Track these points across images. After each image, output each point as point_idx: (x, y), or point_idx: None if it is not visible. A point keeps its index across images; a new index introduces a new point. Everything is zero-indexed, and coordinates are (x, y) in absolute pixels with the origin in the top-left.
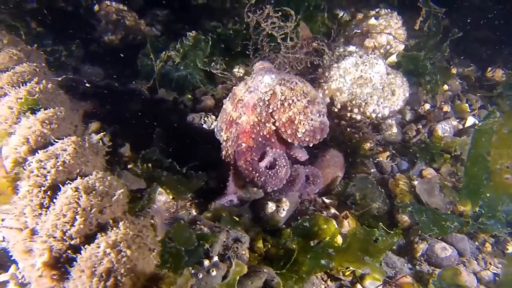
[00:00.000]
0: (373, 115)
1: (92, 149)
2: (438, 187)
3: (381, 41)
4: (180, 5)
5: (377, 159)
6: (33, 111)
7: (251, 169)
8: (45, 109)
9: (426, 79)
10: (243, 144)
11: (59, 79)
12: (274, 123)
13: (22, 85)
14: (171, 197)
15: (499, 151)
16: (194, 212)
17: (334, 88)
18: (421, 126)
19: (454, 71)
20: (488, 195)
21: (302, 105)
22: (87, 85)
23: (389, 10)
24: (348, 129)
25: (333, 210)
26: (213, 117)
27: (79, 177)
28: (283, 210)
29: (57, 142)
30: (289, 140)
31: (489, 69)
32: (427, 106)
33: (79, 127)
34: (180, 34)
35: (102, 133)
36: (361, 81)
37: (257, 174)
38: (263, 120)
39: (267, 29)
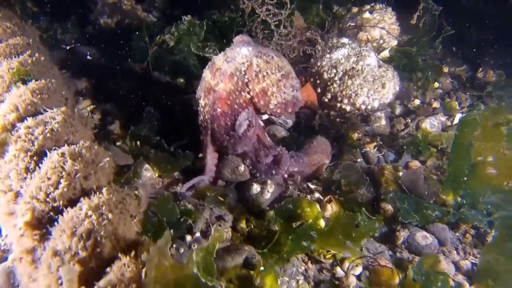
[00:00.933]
0: (363, 107)
1: (81, 121)
2: (423, 177)
3: (375, 34)
4: None
5: (364, 149)
6: (24, 82)
7: (222, 132)
8: (36, 81)
9: (418, 75)
10: (219, 109)
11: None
12: (249, 93)
13: (15, 57)
14: (157, 174)
15: (483, 143)
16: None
17: (325, 78)
18: (409, 120)
19: (446, 70)
20: (469, 185)
21: (276, 78)
22: (89, 57)
23: (383, 5)
24: (338, 119)
25: (317, 194)
26: None
27: (66, 145)
28: (268, 192)
29: (47, 111)
30: (262, 111)
31: (480, 69)
32: (417, 102)
33: (69, 100)
34: (176, 20)
35: (92, 106)
36: (352, 72)
37: (228, 137)
38: (239, 89)
39: (262, 15)
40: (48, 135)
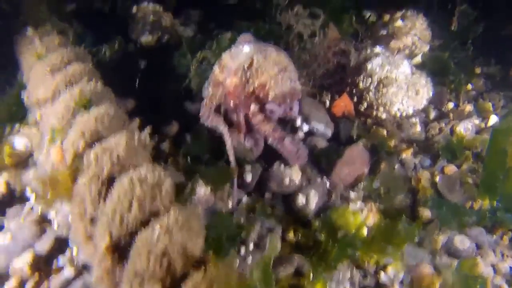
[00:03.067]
0: (398, 114)
1: (140, 144)
2: (459, 182)
3: (407, 42)
4: (212, 4)
5: (401, 156)
6: (87, 109)
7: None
8: (97, 107)
9: (450, 78)
10: (231, 103)
11: None
12: (251, 86)
13: (75, 85)
14: (209, 189)
15: None
16: (230, 203)
17: (361, 88)
18: (444, 125)
19: (478, 70)
20: (505, 190)
21: (273, 73)
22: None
23: (414, 11)
24: (374, 127)
25: (359, 204)
26: None
27: (131, 169)
28: (313, 202)
29: (110, 137)
30: (264, 101)
31: None
32: (451, 105)
33: (126, 123)
34: (213, 33)
35: (148, 129)
36: (387, 81)
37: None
38: (243, 82)
39: (297, 28)
40: (115, 161)
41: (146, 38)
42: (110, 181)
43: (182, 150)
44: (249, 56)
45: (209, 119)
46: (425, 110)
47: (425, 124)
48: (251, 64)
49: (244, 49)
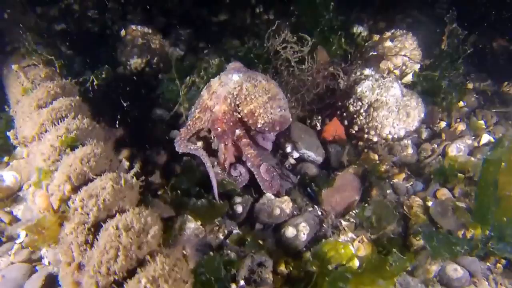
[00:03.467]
0: (390, 136)
1: (127, 185)
2: (451, 209)
3: (397, 62)
4: (202, 22)
5: (393, 181)
6: (72, 148)
7: (223, 157)
8: (82, 145)
9: (441, 97)
10: (219, 129)
11: None
12: (239, 113)
13: (61, 121)
14: (199, 223)
15: (509, 179)
16: (221, 236)
17: (351, 111)
18: (436, 146)
19: (470, 86)
20: (496, 219)
21: (262, 100)
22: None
23: (403, 31)
24: (365, 150)
25: (350, 234)
26: None
27: (118, 214)
28: (303, 234)
29: (95, 178)
30: (252, 128)
31: (506, 83)
32: (443, 124)
33: (114, 161)
34: (203, 52)
35: (135, 168)
36: (377, 104)
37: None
38: (232, 110)
39: (284, 54)
40: (101, 206)
41: (135, 61)
42: (96, 227)
43: (171, 183)
44: (238, 83)
45: (182, 145)
46: (417, 131)
47: (417, 145)
48: (240, 92)
49: (234, 77)
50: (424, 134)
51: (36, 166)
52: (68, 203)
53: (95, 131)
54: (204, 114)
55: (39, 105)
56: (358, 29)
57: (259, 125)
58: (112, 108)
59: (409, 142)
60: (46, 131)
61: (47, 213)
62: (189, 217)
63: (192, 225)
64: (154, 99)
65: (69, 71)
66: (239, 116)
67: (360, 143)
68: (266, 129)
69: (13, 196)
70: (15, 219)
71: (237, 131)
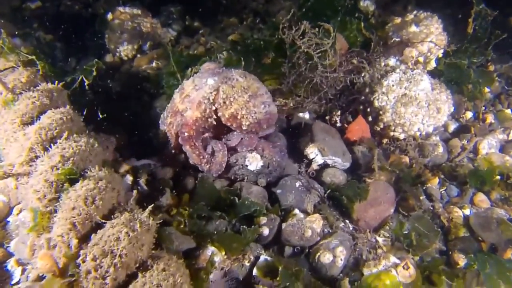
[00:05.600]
0: (418, 133)
1: (143, 228)
2: (495, 222)
3: (422, 49)
4: None
5: (426, 186)
6: (72, 181)
7: (197, 152)
8: (82, 176)
9: (469, 87)
10: (186, 133)
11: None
12: (220, 117)
13: (52, 143)
14: (223, 253)
15: None
16: (247, 263)
17: (377, 106)
18: (466, 141)
19: (491, 67)
20: None
21: (243, 100)
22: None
23: (428, 13)
24: (392, 150)
25: (392, 259)
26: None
27: (140, 274)
28: (341, 260)
29: (104, 222)
30: (238, 131)
31: None
32: (469, 115)
33: (121, 193)
34: (198, 32)
35: (149, 208)
36: (406, 100)
37: (201, 156)
38: (206, 116)
39: (303, 47)
40: (118, 265)
41: (125, 48)
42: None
43: (190, 212)
44: (214, 88)
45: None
46: (444, 125)
47: (445, 141)
48: (216, 96)
49: (208, 81)
50: (451, 127)
51: (30, 206)
52: (77, 262)
53: (94, 151)
54: (174, 119)
55: (24, 121)
56: (364, 3)
57: (244, 127)
58: (105, 108)
59: (438, 139)
60: (36, 157)
61: (53, 277)
62: (213, 248)
63: (217, 259)
64: (152, 96)
65: (52, 61)
66: (215, 122)
67: (384, 140)
68: (253, 129)
69: (1, 223)
70: (7, 254)
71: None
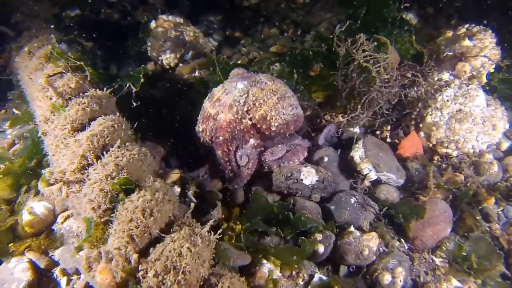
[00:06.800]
0: (471, 151)
1: (204, 244)
2: None
3: (476, 64)
4: (231, 7)
5: (482, 206)
6: (127, 192)
7: (226, 159)
8: (138, 187)
9: None
10: (220, 137)
11: None
12: (250, 119)
13: (105, 150)
14: (278, 269)
15: None
16: (301, 282)
17: (429, 122)
18: None
19: None
20: None
21: (272, 102)
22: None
23: (480, 26)
24: (445, 167)
25: (454, 282)
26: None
27: None
28: (400, 281)
29: (163, 236)
30: (266, 133)
31: None
32: None
33: (176, 205)
34: (238, 42)
35: (210, 223)
36: (461, 116)
37: (229, 164)
38: (239, 117)
39: (361, 60)
40: (182, 282)
41: (168, 57)
42: None
43: (245, 227)
44: (244, 91)
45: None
46: (497, 143)
47: (499, 159)
48: (247, 98)
49: (238, 85)
50: (504, 146)
51: (83, 216)
52: (138, 277)
53: (147, 161)
54: (207, 125)
55: (74, 127)
56: (408, 16)
57: (273, 128)
58: (148, 116)
59: (493, 157)
60: (88, 165)
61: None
62: (269, 265)
63: (275, 276)
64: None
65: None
66: (250, 122)
67: (435, 157)
68: (281, 131)
69: (46, 230)
70: (52, 263)
71: (252, 141)
